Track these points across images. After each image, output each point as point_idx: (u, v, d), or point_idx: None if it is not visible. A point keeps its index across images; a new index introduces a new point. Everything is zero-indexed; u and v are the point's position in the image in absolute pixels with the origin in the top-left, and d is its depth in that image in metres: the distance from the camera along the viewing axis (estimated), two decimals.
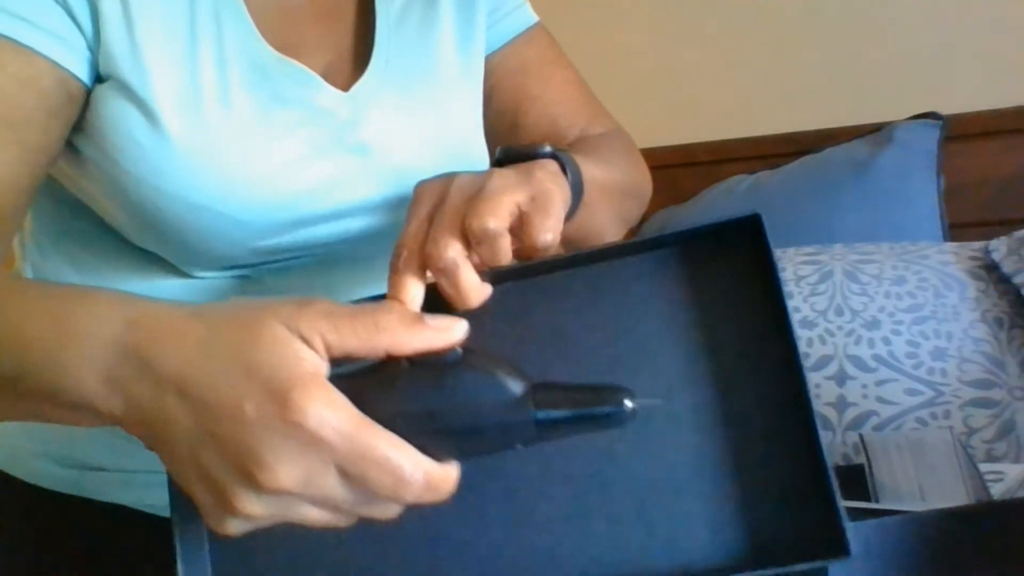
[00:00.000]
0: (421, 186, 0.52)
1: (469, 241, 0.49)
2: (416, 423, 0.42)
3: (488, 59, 0.81)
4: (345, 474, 0.41)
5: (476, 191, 0.49)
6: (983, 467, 0.81)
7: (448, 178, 0.51)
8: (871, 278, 1.29)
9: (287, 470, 0.40)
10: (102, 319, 0.46)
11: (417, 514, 0.46)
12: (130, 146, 0.63)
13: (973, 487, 0.75)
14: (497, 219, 0.48)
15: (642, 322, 0.51)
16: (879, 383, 1.20)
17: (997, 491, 0.78)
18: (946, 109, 1.53)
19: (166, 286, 0.69)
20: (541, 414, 0.43)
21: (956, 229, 1.48)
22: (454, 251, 0.48)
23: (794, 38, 1.74)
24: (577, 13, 1.80)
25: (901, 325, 1.23)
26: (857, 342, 1.23)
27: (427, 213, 0.50)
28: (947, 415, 1.16)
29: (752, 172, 1.65)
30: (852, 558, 0.45)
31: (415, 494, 0.41)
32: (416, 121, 0.72)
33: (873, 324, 1.24)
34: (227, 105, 0.65)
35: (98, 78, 0.65)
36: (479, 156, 0.76)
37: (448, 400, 0.43)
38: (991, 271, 1.28)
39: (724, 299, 0.51)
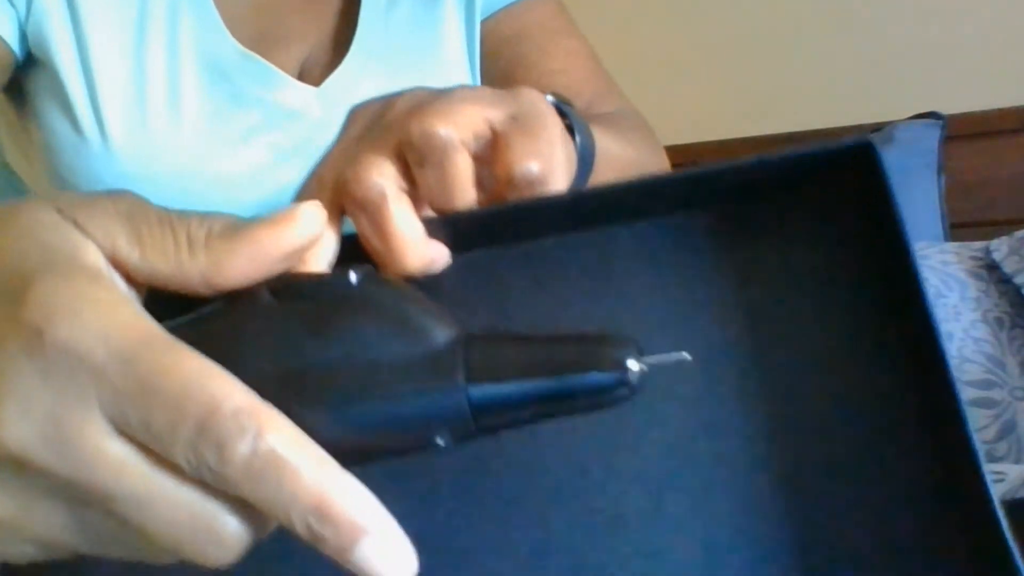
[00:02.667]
0: (357, 106, 0.37)
1: (409, 166, 0.33)
2: (274, 390, 0.24)
3: (483, 24, 0.72)
4: (122, 421, 0.23)
5: (430, 101, 0.34)
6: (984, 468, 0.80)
7: (397, 94, 0.36)
8: None
9: (18, 412, 0.23)
10: None
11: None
12: (66, 151, 0.59)
13: None
14: (450, 125, 0.33)
15: (679, 315, 0.34)
16: None
17: (998, 492, 0.77)
18: (947, 109, 1.52)
19: None
20: (477, 389, 0.25)
21: (957, 229, 1.48)
22: (379, 173, 0.32)
23: (794, 38, 1.74)
24: (576, 13, 1.79)
25: None
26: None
27: (357, 134, 0.35)
28: None
29: None
30: None
31: (240, 458, 0.22)
32: None
33: None
34: (176, 110, 0.60)
35: (30, 57, 0.61)
36: None
37: (323, 353, 0.25)
38: (992, 271, 1.27)
39: (810, 278, 0.34)
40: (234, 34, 0.63)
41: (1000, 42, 1.59)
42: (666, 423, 0.32)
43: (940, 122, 1.50)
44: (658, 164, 0.71)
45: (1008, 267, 1.25)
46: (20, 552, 0.25)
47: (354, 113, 0.37)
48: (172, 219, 0.27)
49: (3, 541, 0.25)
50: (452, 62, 0.69)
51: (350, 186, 0.33)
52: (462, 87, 0.36)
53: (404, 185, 0.33)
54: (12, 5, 0.59)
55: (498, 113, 0.34)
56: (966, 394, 1.17)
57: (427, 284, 0.33)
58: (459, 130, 0.33)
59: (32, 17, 0.59)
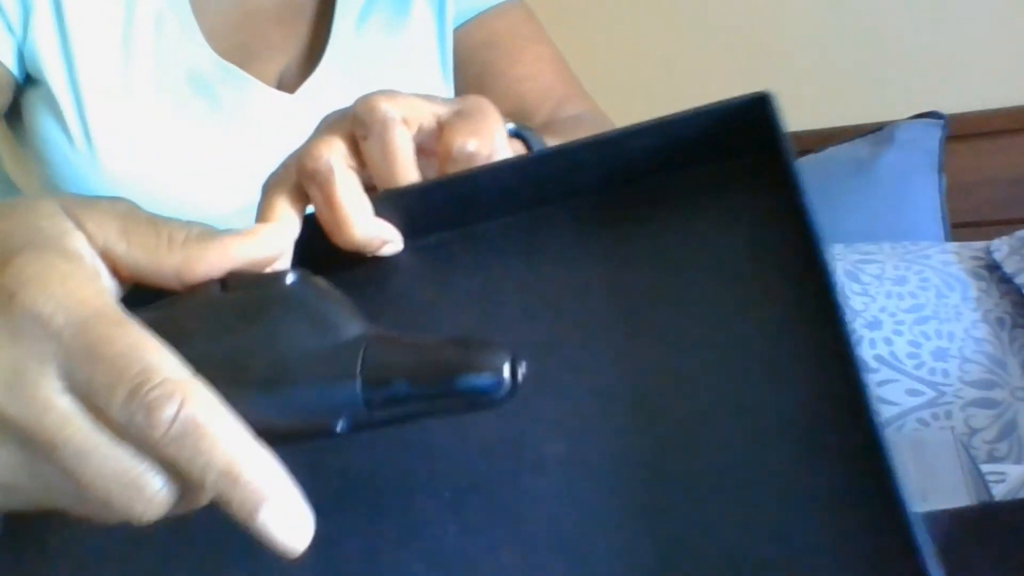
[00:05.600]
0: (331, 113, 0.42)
1: (359, 148, 0.37)
2: (207, 368, 0.28)
3: (455, 32, 0.75)
4: (71, 380, 0.27)
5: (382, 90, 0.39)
6: (985, 468, 0.80)
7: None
8: (872, 278, 1.28)
9: None
10: None
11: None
12: (58, 161, 0.62)
13: (975, 488, 0.75)
14: (391, 102, 0.37)
15: (608, 289, 0.35)
16: (880, 383, 1.19)
17: (999, 492, 0.77)
18: (947, 109, 1.52)
19: None
20: (369, 385, 0.29)
21: (958, 229, 1.48)
22: (329, 148, 0.37)
23: (794, 38, 1.74)
24: (574, 14, 1.80)
25: (902, 325, 1.23)
26: (858, 342, 1.23)
27: (323, 128, 0.40)
28: (948, 415, 1.16)
29: None
30: None
31: (164, 421, 0.26)
32: None
33: (874, 324, 1.24)
34: (158, 119, 0.62)
35: (28, 77, 0.63)
36: None
37: (248, 339, 0.30)
38: (993, 271, 1.27)
39: (737, 255, 0.35)
40: (214, 46, 0.66)
41: (1000, 42, 1.59)
42: (587, 369, 0.34)
43: (940, 122, 1.50)
44: None
45: (1009, 267, 1.25)
46: None
47: (327, 115, 0.41)
48: (158, 221, 0.31)
49: None
50: (425, 70, 0.72)
51: (303, 160, 0.37)
52: (421, 93, 0.40)
53: (354, 164, 0.37)
54: (11, 31, 0.62)
55: (444, 109, 0.38)
56: (967, 394, 1.17)
57: (382, 267, 0.38)
58: (400, 109, 0.37)
59: (28, 38, 0.62)
